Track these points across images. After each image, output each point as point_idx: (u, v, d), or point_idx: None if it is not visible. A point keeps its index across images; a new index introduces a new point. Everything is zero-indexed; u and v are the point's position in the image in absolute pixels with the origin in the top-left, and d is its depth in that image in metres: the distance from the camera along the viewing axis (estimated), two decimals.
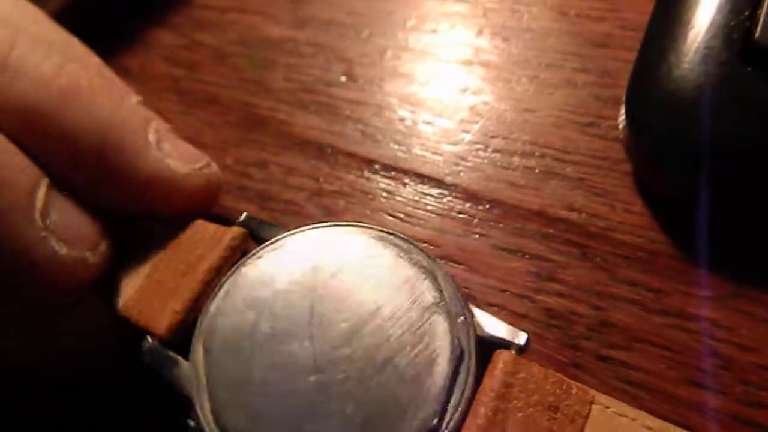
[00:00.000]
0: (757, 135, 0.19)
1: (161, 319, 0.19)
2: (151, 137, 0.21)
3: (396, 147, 0.26)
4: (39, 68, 0.20)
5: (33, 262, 0.18)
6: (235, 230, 0.20)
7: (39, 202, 0.18)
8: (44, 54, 0.20)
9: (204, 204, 0.22)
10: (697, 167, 0.20)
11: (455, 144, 0.25)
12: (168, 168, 0.20)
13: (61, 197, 0.19)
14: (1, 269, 0.18)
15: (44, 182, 0.19)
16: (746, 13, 0.20)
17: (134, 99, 0.22)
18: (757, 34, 0.19)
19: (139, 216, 0.22)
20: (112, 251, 0.21)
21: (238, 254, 0.20)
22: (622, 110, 0.22)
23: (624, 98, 0.21)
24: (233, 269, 0.19)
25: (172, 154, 0.21)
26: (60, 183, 0.20)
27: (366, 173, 0.26)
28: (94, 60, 0.23)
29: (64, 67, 0.20)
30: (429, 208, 0.24)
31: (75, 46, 0.23)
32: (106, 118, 0.20)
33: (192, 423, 0.18)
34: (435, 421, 0.16)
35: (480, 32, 0.27)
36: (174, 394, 0.19)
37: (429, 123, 0.26)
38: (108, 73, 0.23)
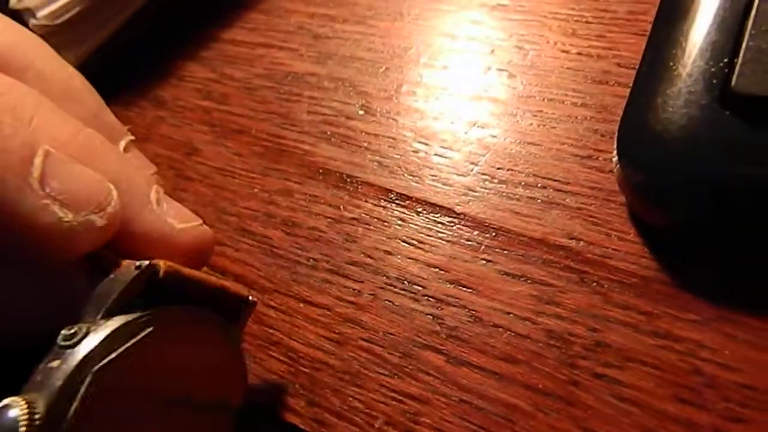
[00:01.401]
0: (734, 174, 0.21)
1: None
2: (153, 196, 0.21)
3: (410, 177, 0.28)
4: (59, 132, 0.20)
5: (37, 229, 0.18)
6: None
7: (36, 169, 0.18)
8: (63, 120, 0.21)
9: (197, 259, 0.22)
10: (682, 201, 0.22)
11: (464, 175, 0.27)
12: (166, 223, 0.21)
13: (62, 163, 0.19)
14: (10, 237, 0.18)
15: (42, 149, 0.19)
16: (725, 60, 0.21)
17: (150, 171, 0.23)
18: (733, 82, 0.21)
19: None
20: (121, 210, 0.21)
21: None
22: (615, 147, 0.24)
23: (616, 137, 0.23)
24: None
25: (170, 213, 0.22)
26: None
27: (382, 202, 0.28)
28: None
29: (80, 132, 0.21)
30: (440, 235, 0.26)
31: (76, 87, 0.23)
32: (113, 175, 0.20)
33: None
34: None
35: (488, 69, 0.30)
36: None
37: (440, 155, 0.28)
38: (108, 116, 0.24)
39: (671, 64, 0.23)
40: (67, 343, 0.17)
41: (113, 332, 0.18)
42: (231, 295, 0.22)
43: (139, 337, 0.18)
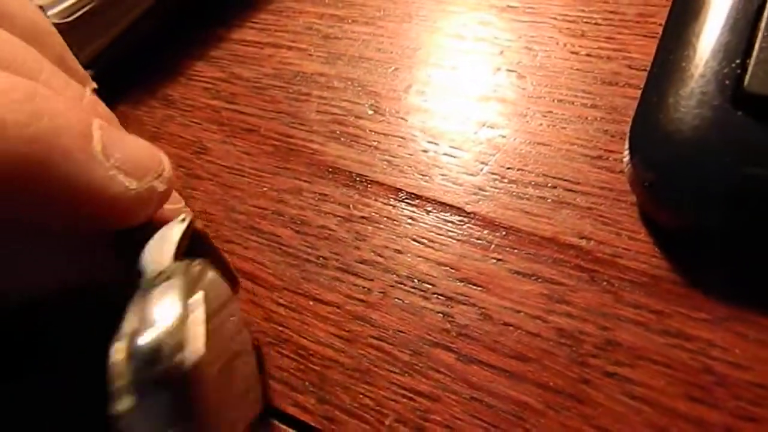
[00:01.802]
0: (747, 174, 0.21)
1: None
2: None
3: (420, 177, 0.28)
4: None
5: (107, 200, 0.18)
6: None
7: (98, 143, 0.18)
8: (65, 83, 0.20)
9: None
10: (694, 202, 0.22)
11: (474, 175, 0.28)
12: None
13: (117, 134, 0.19)
14: (81, 210, 0.18)
15: (96, 123, 0.18)
16: (737, 61, 0.22)
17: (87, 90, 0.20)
18: (746, 82, 0.21)
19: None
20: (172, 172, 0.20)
21: None
22: (626, 147, 0.24)
23: (627, 137, 0.24)
24: None
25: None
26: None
27: (392, 201, 0.28)
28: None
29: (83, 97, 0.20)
30: (450, 234, 0.26)
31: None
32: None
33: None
34: None
35: (497, 70, 0.30)
36: None
37: (450, 155, 0.28)
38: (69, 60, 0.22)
39: (683, 64, 0.23)
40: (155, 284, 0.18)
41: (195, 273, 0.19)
42: (230, 269, 0.24)
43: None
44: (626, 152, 0.24)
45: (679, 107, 0.22)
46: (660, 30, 0.25)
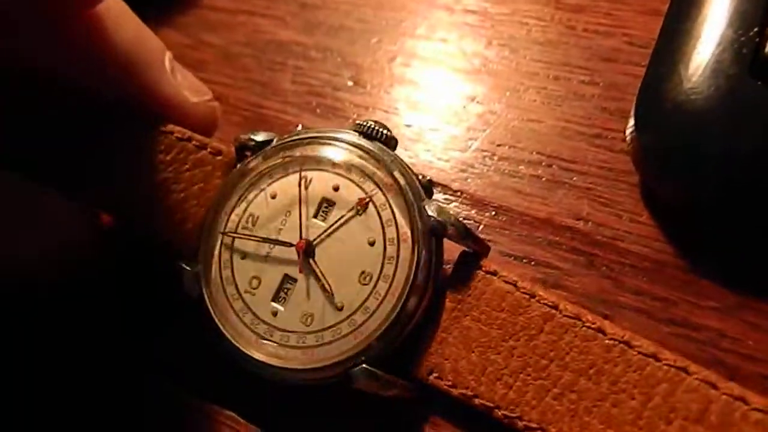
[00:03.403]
0: (765, 146, 0.19)
1: None
2: (167, 65, 0.24)
3: (402, 152, 0.26)
4: None
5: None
6: None
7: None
8: None
9: (205, 130, 0.25)
10: (706, 178, 0.20)
11: (462, 151, 0.25)
12: (182, 95, 0.24)
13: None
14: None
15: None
16: (755, 29, 0.20)
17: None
18: (766, 49, 0.19)
19: None
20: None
21: None
22: (631, 122, 0.22)
23: (633, 109, 0.22)
24: None
25: (184, 84, 0.24)
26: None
27: None
28: None
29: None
30: None
31: None
32: (132, 38, 0.23)
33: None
34: None
35: (489, 43, 0.28)
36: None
37: (436, 130, 0.26)
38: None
39: (695, 32, 0.21)
40: None
41: None
42: None
43: None
44: (630, 127, 0.22)
45: (691, 77, 0.21)
46: (661, 7, 0.24)
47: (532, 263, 0.23)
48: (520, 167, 0.25)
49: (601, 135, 0.24)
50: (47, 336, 0.25)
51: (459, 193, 0.25)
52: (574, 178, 0.24)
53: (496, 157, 0.25)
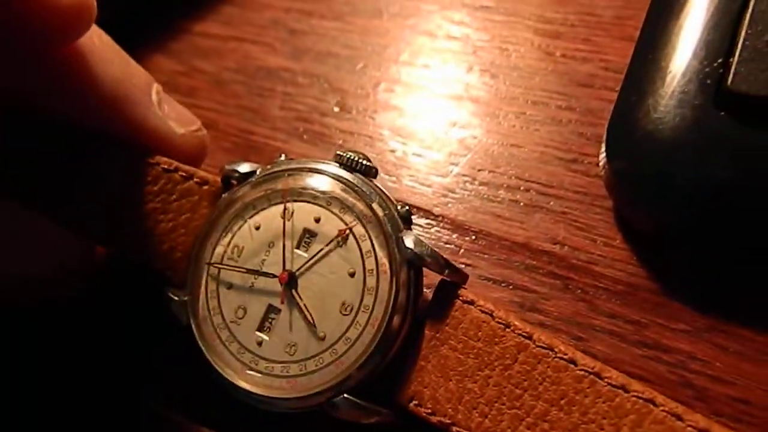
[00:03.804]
0: (729, 175, 0.20)
1: None
2: (154, 97, 0.24)
3: (386, 177, 0.27)
4: None
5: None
6: None
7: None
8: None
9: (193, 160, 0.25)
10: (674, 205, 0.21)
11: (444, 176, 0.26)
12: (168, 127, 0.24)
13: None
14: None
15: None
16: (719, 60, 0.21)
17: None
18: (729, 81, 0.20)
19: None
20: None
21: None
22: (603, 148, 0.23)
23: (605, 137, 0.22)
24: None
25: (171, 115, 0.25)
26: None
27: None
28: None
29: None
30: None
31: None
32: (117, 73, 0.23)
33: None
34: None
35: (470, 69, 0.28)
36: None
37: (419, 155, 0.27)
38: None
39: (663, 63, 0.22)
40: None
41: None
42: None
43: None
44: (603, 154, 0.23)
45: (659, 107, 0.21)
46: (637, 33, 0.24)
47: (510, 287, 0.23)
48: (500, 192, 0.25)
49: (577, 160, 0.25)
50: (42, 352, 0.26)
51: (440, 218, 0.25)
52: (551, 203, 0.24)
53: (476, 182, 0.26)
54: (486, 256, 0.24)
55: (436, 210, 0.25)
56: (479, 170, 0.26)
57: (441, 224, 0.25)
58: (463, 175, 0.26)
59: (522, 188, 0.25)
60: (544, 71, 0.27)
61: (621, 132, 0.22)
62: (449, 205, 0.25)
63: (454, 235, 0.25)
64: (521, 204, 0.25)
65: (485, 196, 0.25)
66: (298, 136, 0.29)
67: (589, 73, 0.27)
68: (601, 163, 0.23)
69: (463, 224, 0.25)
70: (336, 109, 0.29)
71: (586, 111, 0.26)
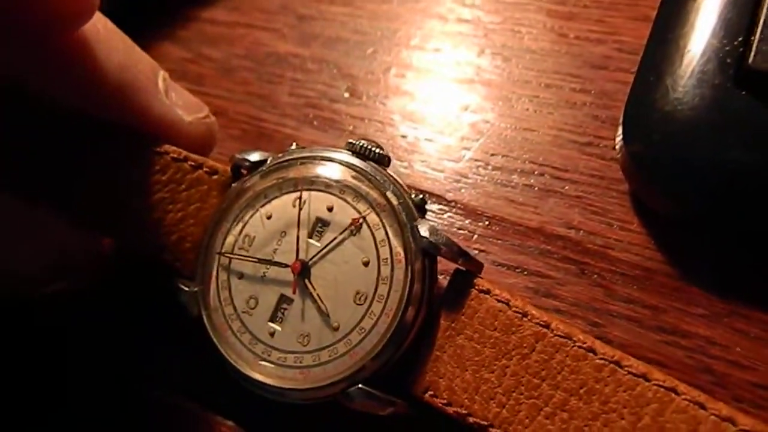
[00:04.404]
0: (750, 156, 0.19)
1: None
2: (161, 85, 0.24)
3: (398, 163, 0.26)
4: None
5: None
6: None
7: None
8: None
9: (202, 148, 0.25)
10: (692, 186, 0.20)
11: (456, 161, 0.26)
12: (176, 115, 0.24)
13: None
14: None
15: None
16: (740, 39, 0.20)
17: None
18: (750, 59, 0.19)
19: None
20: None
21: None
22: (620, 130, 0.22)
23: (621, 119, 0.22)
24: None
25: (178, 103, 0.24)
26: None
27: None
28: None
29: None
30: None
31: None
32: (123, 60, 0.23)
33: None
34: None
35: (481, 52, 0.28)
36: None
37: (430, 140, 0.26)
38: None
39: (681, 42, 0.21)
40: None
41: None
42: None
43: None
44: (619, 136, 0.22)
45: (677, 87, 0.20)
46: (652, 13, 0.23)
47: (525, 272, 0.23)
48: (513, 176, 0.25)
49: (592, 143, 0.24)
50: (45, 346, 0.26)
51: (453, 204, 0.25)
52: (566, 187, 0.24)
53: (489, 167, 0.25)
54: (500, 241, 0.23)
55: (449, 195, 0.25)
56: (492, 155, 0.25)
57: (454, 210, 0.24)
58: (476, 160, 0.25)
59: (536, 172, 0.24)
60: (558, 53, 0.27)
61: (638, 113, 0.21)
62: (462, 190, 0.25)
63: (467, 221, 0.24)
64: (535, 188, 0.24)
65: (498, 180, 0.25)
66: (308, 123, 0.29)
67: (604, 54, 0.26)
68: (617, 146, 0.22)
69: (476, 209, 0.24)
70: (346, 95, 0.29)
71: (600, 93, 0.25)
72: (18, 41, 0.21)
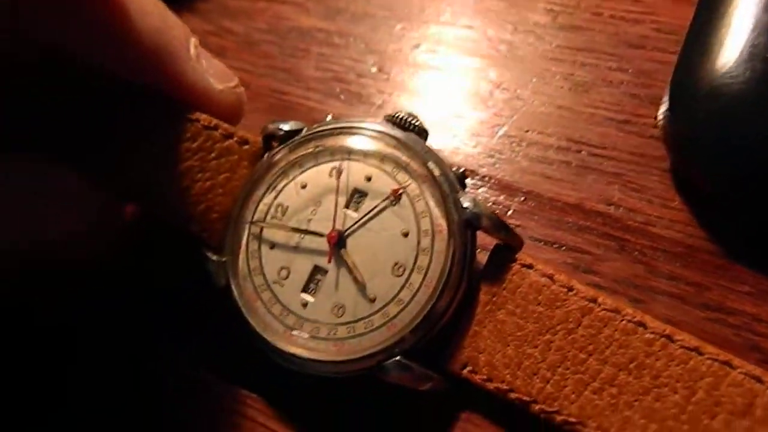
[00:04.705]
0: None
1: None
2: (192, 51, 0.23)
3: (429, 138, 0.25)
4: None
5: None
6: None
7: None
8: None
9: (231, 117, 0.24)
10: (739, 162, 0.19)
11: (489, 137, 0.25)
12: (207, 82, 0.23)
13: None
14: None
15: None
16: None
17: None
18: None
19: None
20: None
21: None
22: (662, 106, 0.22)
23: (667, 93, 0.21)
24: None
25: (209, 71, 0.24)
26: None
27: None
28: None
29: None
30: None
31: None
32: (156, 24, 0.22)
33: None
34: None
35: (515, 29, 0.27)
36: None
37: (462, 116, 0.26)
38: None
39: (731, 16, 0.20)
40: None
41: None
42: None
43: None
44: (661, 112, 0.21)
45: (727, 62, 0.20)
46: None
47: (563, 248, 0.22)
48: (549, 153, 0.24)
49: (630, 121, 0.24)
50: (64, 316, 0.25)
51: (487, 179, 0.24)
52: (604, 164, 0.23)
53: (524, 143, 0.24)
54: (536, 217, 0.23)
55: (482, 171, 0.24)
56: (526, 131, 0.25)
57: (488, 185, 0.24)
58: (510, 136, 0.25)
59: (573, 149, 0.24)
60: (592, 32, 0.26)
61: (684, 88, 0.21)
62: (496, 165, 0.24)
63: (502, 196, 0.23)
64: (572, 165, 0.23)
65: (534, 157, 0.24)
66: (334, 97, 0.28)
67: (641, 34, 0.25)
68: (659, 122, 0.22)
69: (511, 185, 0.24)
70: (374, 70, 0.28)
71: (638, 72, 0.24)
72: (54, 4, 0.21)
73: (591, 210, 0.22)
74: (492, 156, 0.24)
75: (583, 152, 0.24)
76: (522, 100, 0.25)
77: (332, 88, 0.28)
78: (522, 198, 0.23)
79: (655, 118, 0.23)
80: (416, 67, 0.28)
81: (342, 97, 0.28)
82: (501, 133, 0.25)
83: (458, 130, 0.25)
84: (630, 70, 0.25)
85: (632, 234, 0.22)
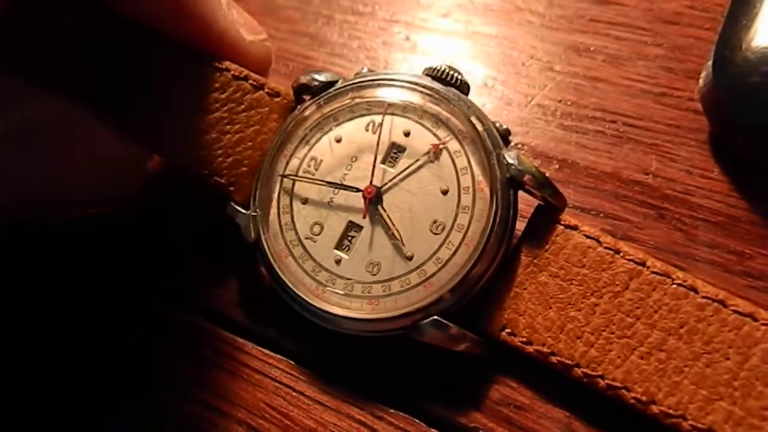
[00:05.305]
0: None
1: None
2: (223, 0, 0.22)
3: None
4: None
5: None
6: None
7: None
8: None
9: (260, 70, 0.23)
10: None
11: (522, 106, 0.24)
12: (237, 32, 0.22)
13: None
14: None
15: None
16: None
17: None
18: None
19: None
20: None
21: None
22: (704, 73, 0.21)
23: (711, 60, 0.21)
24: None
25: (239, 21, 0.23)
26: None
27: None
28: None
29: None
30: None
31: None
32: None
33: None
34: None
35: (550, 4, 0.26)
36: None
37: (493, 85, 0.25)
38: None
39: None
40: None
41: None
42: None
43: None
44: (702, 80, 0.21)
45: None
46: None
47: (600, 215, 0.21)
48: (583, 123, 0.23)
49: (666, 93, 0.23)
50: (81, 268, 0.24)
51: (521, 146, 0.23)
52: (640, 135, 0.22)
53: (558, 113, 0.24)
54: (571, 184, 0.22)
55: (515, 138, 0.23)
56: (560, 101, 0.24)
57: (522, 152, 0.23)
58: (543, 106, 0.24)
59: (608, 120, 0.23)
60: (626, 8, 0.25)
61: (729, 54, 0.20)
62: (529, 133, 0.23)
63: (536, 163, 0.23)
64: (608, 135, 0.23)
65: (568, 126, 0.23)
66: (360, 63, 0.27)
67: (675, 11, 0.25)
68: (702, 86, 0.21)
69: (545, 152, 0.23)
70: (402, 37, 0.27)
71: (673, 47, 0.24)
72: None
73: (628, 179, 0.22)
74: (525, 124, 0.24)
75: (618, 122, 0.23)
76: (555, 71, 0.25)
77: (357, 55, 0.27)
78: (557, 166, 0.23)
79: (694, 90, 0.22)
80: (446, 34, 0.27)
81: (368, 62, 0.27)
82: (534, 102, 0.24)
83: (491, 98, 0.25)
84: (665, 45, 0.24)
85: (671, 202, 0.21)
